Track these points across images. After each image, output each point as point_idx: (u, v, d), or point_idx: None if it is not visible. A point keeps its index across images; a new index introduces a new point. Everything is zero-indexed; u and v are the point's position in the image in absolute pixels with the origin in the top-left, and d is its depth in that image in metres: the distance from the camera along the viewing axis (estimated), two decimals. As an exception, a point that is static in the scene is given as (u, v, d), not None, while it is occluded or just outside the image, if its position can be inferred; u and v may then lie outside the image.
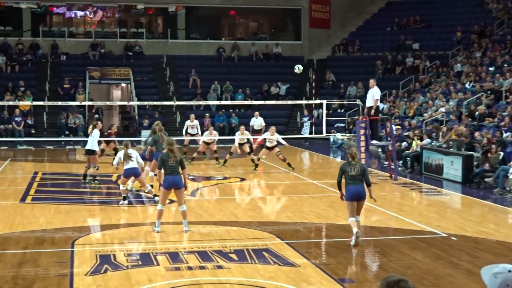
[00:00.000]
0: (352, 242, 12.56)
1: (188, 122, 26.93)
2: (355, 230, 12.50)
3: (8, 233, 13.56)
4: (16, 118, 34.82)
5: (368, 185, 12.82)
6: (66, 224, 14.42)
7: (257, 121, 27.70)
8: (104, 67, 40.61)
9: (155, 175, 17.05)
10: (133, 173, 16.84)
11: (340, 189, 13.03)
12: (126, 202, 16.73)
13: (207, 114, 36.45)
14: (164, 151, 13.83)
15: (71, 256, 11.79)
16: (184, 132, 27.09)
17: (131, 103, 36.96)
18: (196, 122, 26.83)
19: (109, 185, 20.39)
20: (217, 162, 24.45)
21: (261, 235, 13.54)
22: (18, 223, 14.56)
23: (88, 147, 20.20)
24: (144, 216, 15.51)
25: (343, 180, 12.92)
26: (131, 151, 16.88)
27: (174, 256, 11.72)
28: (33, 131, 35.61)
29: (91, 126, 20.20)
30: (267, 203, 17.87)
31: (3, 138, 33.11)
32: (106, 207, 16.58)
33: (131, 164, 16.65)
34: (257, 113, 28.40)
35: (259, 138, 25.66)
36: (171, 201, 16.07)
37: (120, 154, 16.90)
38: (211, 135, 24.75)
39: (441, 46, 40.40)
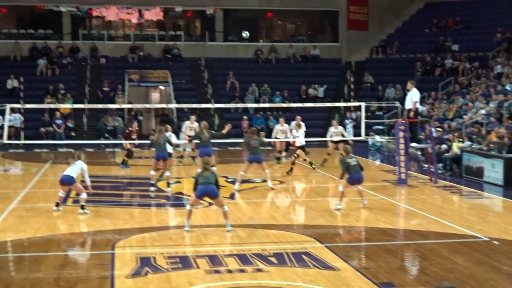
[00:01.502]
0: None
1: (187, 123, 26.10)
2: None
3: (50, 235, 13.71)
4: (57, 121, 35.23)
5: None
6: (107, 227, 14.55)
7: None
8: (143, 69, 40.92)
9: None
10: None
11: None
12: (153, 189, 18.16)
13: (245, 117, 36.55)
14: (199, 170, 14.33)
15: (112, 258, 11.88)
16: (183, 132, 26.28)
17: (169, 105, 37.14)
18: (196, 124, 25.50)
19: (148, 187, 20.49)
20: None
21: (300, 238, 13.52)
22: (59, 225, 14.72)
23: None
24: (183, 218, 15.53)
25: None
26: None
27: (213, 259, 11.75)
28: (73, 134, 36.00)
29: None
30: (306, 206, 17.82)
31: (44, 141, 33.50)
32: (146, 210, 16.70)
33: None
34: (299, 117, 27.89)
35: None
36: (210, 204, 16.14)
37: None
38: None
39: (481, 47, 39.98)
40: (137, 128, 25.00)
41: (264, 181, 20.83)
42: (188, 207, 14.03)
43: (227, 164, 26.07)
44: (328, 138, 25.39)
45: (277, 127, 27.16)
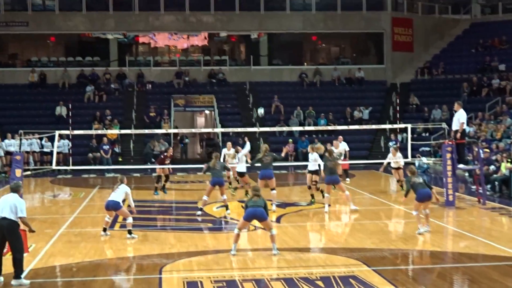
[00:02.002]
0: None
1: (224, 151, 24.88)
2: None
3: (98, 260, 13.84)
4: (104, 146, 35.65)
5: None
6: (154, 251, 14.62)
7: (341, 146, 27.24)
8: (188, 94, 41.25)
9: None
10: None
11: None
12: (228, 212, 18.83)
13: (290, 140, 36.52)
14: (250, 195, 14.67)
15: (159, 283, 11.93)
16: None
17: (215, 130, 37.34)
18: (232, 151, 24.39)
19: (195, 211, 20.58)
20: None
21: (347, 261, 13.43)
22: (107, 250, 14.86)
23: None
24: (230, 242, 15.55)
25: None
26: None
27: (260, 283, 11.73)
28: (120, 159, 36.38)
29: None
30: (352, 229, 17.71)
31: (91, 166, 33.92)
32: (192, 234, 16.75)
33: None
34: (340, 137, 28.03)
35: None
36: (256, 227, 16.15)
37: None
38: None
39: (529, 67, 39.48)
40: (171, 154, 25.07)
41: (310, 203, 20.84)
42: (236, 231, 14.15)
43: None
44: (386, 162, 24.85)
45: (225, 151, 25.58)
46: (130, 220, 16.00)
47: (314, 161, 21.32)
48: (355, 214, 19.45)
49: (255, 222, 14.67)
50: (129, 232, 15.87)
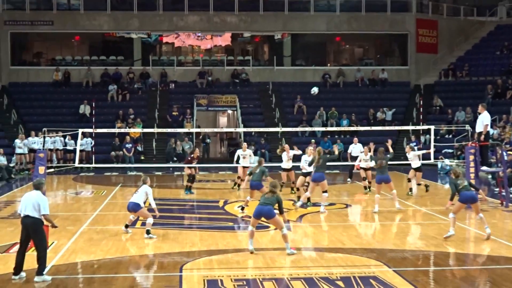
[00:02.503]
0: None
1: (239, 152, 25.16)
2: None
3: (119, 257, 13.90)
4: (127, 145, 35.81)
5: None
6: (174, 249, 14.67)
7: (356, 148, 27.01)
8: (211, 94, 41.32)
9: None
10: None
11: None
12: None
13: (312, 140, 36.43)
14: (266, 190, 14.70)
15: (180, 280, 11.96)
16: (235, 162, 25.66)
17: (237, 129, 37.40)
18: (248, 151, 24.93)
19: (216, 210, 20.64)
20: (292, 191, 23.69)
21: (368, 262, 13.39)
22: (128, 247, 14.93)
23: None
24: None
25: None
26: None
27: (280, 283, 11.73)
28: (142, 158, 36.54)
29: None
30: (373, 229, 17.66)
31: (114, 164, 34.09)
32: (213, 232, 16.77)
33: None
34: (356, 139, 27.88)
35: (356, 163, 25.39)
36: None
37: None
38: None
39: (554, 69, 39.15)
40: (198, 155, 25.10)
41: (331, 204, 20.85)
42: (249, 228, 14.30)
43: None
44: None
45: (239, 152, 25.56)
46: (150, 220, 16.05)
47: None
48: (378, 215, 19.39)
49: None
50: (147, 232, 15.91)
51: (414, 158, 23.42)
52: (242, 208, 19.79)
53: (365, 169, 24.15)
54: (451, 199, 15.92)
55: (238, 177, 24.81)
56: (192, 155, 24.60)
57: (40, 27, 42.65)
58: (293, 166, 23.25)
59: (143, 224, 16.65)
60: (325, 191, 20.00)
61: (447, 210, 16.21)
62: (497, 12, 47.36)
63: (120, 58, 44.56)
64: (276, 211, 14.08)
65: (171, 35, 43.81)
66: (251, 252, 13.95)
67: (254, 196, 19.43)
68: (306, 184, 21.43)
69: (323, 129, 35.71)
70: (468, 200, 15.48)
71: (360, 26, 44.25)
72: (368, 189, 23.93)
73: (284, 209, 19.18)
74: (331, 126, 37.66)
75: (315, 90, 24.97)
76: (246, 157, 24.74)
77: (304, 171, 21.39)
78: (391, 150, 22.24)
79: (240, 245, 15.01)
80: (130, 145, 36.00)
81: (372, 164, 22.97)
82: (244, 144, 25.54)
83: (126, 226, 16.49)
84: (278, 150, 23.48)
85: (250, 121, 39.19)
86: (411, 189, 23.67)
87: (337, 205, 21.24)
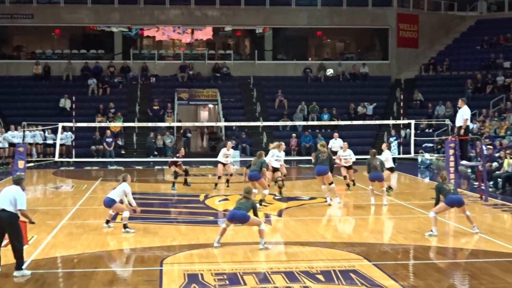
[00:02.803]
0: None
1: (224, 150, 24.32)
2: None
3: (99, 252, 13.86)
4: (107, 139, 35.71)
5: None
6: (155, 243, 14.64)
7: (337, 143, 26.84)
8: (192, 88, 41.26)
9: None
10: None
11: None
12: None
13: (293, 135, 36.56)
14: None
15: (160, 275, 11.94)
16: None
17: (218, 124, 37.39)
18: (232, 151, 24.28)
19: (196, 204, 20.62)
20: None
21: (348, 256, 13.43)
22: (108, 241, 14.87)
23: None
24: (230, 235, 15.58)
25: None
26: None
27: (260, 276, 11.74)
28: (123, 152, 36.45)
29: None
30: (354, 224, 17.71)
31: (94, 159, 33.97)
32: (194, 226, 16.76)
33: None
34: (336, 134, 27.77)
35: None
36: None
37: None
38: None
39: (533, 64, 39.43)
40: (183, 154, 25.00)
41: (312, 198, 20.90)
42: (223, 225, 14.32)
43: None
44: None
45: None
46: (126, 214, 15.99)
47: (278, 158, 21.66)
48: (358, 209, 19.47)
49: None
50: (125, 226, 15.86)
51: (388, 157, 22.95)
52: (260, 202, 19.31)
53: (346, 167, 23.64)
54: (435, 204, 15.73)
55: (219, 177, 23.94)
56: (177, 155, 24.56)
57: (20, 20, 42.38)
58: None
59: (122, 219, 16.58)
60: (332, 183, 20.19)
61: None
62: (478, 7, 47.59)
63: (101, 52, 44.38)
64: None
65: (152, 28, 43.64)
66: (215, 247, 13.90)
67: (255, 187, 19.39)
68: (279, 179, 21.54)
69: (304, 123, 35.78)
70: (455, 204, 15.43)
71: (342, 21, 44.31)
72: (351, 185, 23.69)
73: (264, 204, 19.32)
74: (312, 120, 37.73)
75: (331, 71, 24.79)
76: (229, 157, 24.39)
77: (274, 165, 21.48)
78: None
79: (221, 240, 14.98)
80: (111, 139, 35.88)
81: (352, 159, 23.11)
82: (229, 143, 25.32)
83: (107, 222, 16.43)
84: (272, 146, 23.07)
85: (231, 115, 39.18)
86: (390, 187, 23.13)
87: (318, 199, 21.28)
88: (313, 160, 20.84)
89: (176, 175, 24.14)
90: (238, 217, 13.91)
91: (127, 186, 16.20)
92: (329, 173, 20.20)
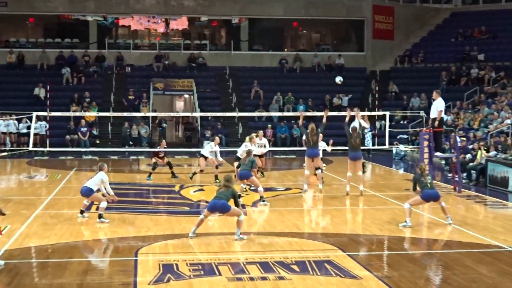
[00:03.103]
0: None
1: (211, 145, 23.93)
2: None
3: (74, 242, 13.80)
4: (82, 129, 35.53)
5: None
6: (130, 234, 14.62)
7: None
8: (168, 78, 41.13)
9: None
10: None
11: None
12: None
13: (269, 125, 36.58)
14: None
15: (135, 265, 11.93)
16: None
17: (194, 114, 37.32)
18: (217, 148, 23.48)
19: (172, 195, 20.61)
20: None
21: (323, 246, 13.49)
22: (83, 231, 14.81)
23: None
24: (206, 226, 15.59)
25: None
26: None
27: (236, 267, 11.76)
28: (98, 142, 36.26)
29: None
30: (328, 214, 17.78)
31: (69, 148, 33.78)
32: (169, 217, 16.75)
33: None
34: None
35: None
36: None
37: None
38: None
39: (507, 57, 39.78)
40: (165, 145, 24.92)
41: (288, 189, 20.97)
42: (201, 216, 14.21)
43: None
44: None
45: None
46: (103, 204, 15.92)
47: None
48: (333, 199, 19.55)
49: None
50: (100, 216, 15.79)
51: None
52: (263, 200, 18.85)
53: (259, 156, 23.28)
54: (414, 189, 15.84)
55: (201, 170, 23.39)
56: (159, 147, 24.51)
57: (-6, 8, 41.96)
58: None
59: (98, 208, 16.53)
60: (319, 168, 20.41)
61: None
62: (453, 0, 47.82)
63: (76, 41, 44.07)
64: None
65: (127, 18, 43.39)
66: (190, 238, 13.88)
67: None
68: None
69: (280, 114, 35.82)
70: (431, 199, 15.53)
71: (317, 12, 44.35)
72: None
73: (240, 194, 19.32)
74: (288, 111, 37.76)
75: (340, 79, 24.67)
76: (213, 152, 23.84)
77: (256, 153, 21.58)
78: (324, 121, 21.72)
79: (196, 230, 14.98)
80: (85, 128, 35.70)
81: (329, 149, 23.23)
82: (216, 138, 24.91)
83: (82, 212, 16.35)
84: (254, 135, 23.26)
85: (207, 106, 39.13)
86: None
87: (293, 190, 21.35)
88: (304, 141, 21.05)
89: (155, 166, 24.06)
90: (219, 207, 13.88)
91: (104, 175, 16.13)
92: (319, 157, 20.43)
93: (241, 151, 21.16)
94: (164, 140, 25.52)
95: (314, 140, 20.28)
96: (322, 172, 20.83)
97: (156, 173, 24.47)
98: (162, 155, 24.27)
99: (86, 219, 16.10)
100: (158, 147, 24.52)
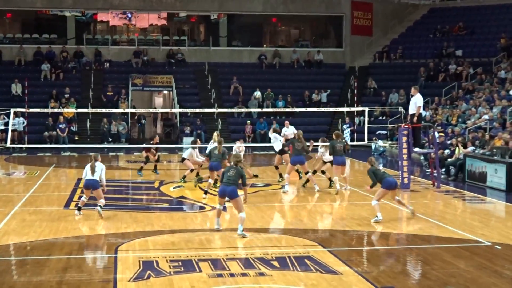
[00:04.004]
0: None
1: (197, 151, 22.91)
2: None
3: (53, 239, 13.74)
4: (60, 125, 35.34)
5: None
6: (109, 230, 14.58)
7: (289, 130, 26.45)
8: (146, 74, 40.98)
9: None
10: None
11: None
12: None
13: (248, 122, 36.60)
14: (228, 164, 15.35)
15: (115, 262, 11.90)
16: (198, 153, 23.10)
17: (173, 110, 37.23)
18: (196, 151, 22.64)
19: (151, 191, 20.56)
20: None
21: (302, 242, 13.53)
22: (62, 228, 14.74)
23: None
24: (186, 222, 15.58)
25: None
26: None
27: (216, 263, 11.77)
28: (76, 138, 36.09)
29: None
30: (308, 210, 17.83)
31: (47, 145, 33.58)
32: (148, 213, 16.71)
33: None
34: (287, 122, 27.09)
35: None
36: (213, 208, 16.20)
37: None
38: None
39: (485, 53, 40.03)
40: (157, 141, 24.82)
41: (267, 185, 20.98)
42: (217, 206, 14.49)
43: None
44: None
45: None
46: (102, 201, 15.96)
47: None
48: (313, 195, 19.58)
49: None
50: (100, 206, 15.89)
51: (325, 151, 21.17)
52: (206, 192, 18.95)
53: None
54: (372, 186, 16.03)
55: (192, 170, 22.08)
56: (152, 142, 24.49)
57: (-30, 3, 41.58)
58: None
59: (86, 206, 16.44)
60: (307, 172, 20.46)
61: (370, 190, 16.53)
62: (431, -4, 48.06)
63: (54, 37, 43.76)
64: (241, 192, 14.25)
65: (105, 13, 43.15)
66: (218, 230, 14.20)
67: (213, 178, 19.25)
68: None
69: (259, 110, 35.81)
70: (392, 186, 15.72)
71: (296, 8, 44.38)
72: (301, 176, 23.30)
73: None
74: (267, 107, 37.76)
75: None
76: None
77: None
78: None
79: (175, 226, 14.99)
80: (64, 125, 35.51)
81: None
82: (215, 133, 24.19)
83: (79, 209, 16.26)
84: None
85: (186, 102, 39.04)
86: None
87: (273, 186, 21.38)
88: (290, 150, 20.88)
89: (146, 161, 24.03)
90: (228, 193, 14.02)
91: (102, 165, 16.25)
92: (305, 164, 20.30)
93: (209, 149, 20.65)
94: (157, 136, 25.54)
95: (300, 147, 20.07)
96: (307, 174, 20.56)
97: (135, 169, 24.40)
98: (153, 150, 24.25)
99: (81, 216, 15.99)
100: (151, 142, 24.45)
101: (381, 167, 16.27)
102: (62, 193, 19.70)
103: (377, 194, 15.79)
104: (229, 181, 14.00)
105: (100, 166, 16.14)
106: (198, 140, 23.76)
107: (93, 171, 16.09)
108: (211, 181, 19.36)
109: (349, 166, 25.62)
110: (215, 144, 20.13)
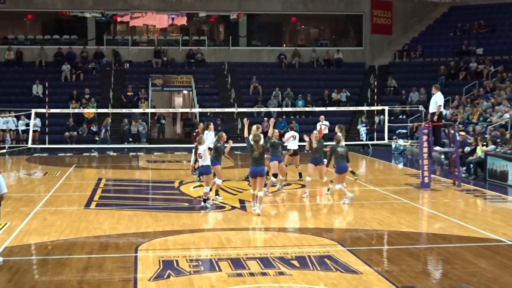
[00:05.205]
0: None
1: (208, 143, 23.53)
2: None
3: (74, 239, 13.80)
4: (104, 127, 35.41)
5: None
6: (130, 230, 14.62)
7: (325, 123, 26.01)
8: (166, 74, 41.08)
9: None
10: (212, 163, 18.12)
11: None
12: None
13: (265, 118, 36.57)
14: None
15: (135, 261, 11.94)
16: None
17: (193, 110, 37.29)
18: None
19: (171, 191, 20.60)
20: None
21: (322, 241, 13.50)
22: (83, 228, 14.80)
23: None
24: (206, 222, 15.60)
25: None
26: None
27: (236, 262, 11.77)
28: (96, 138, 36.20)
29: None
30: (328, 209, 17.78)
31: (68, 145, 33.74)
32: (168, 213, 16.74)
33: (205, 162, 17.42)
34: (322, 116, 26.76)
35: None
36: (233, 207, 16.22)
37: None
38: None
39: (506, 51, 39.75)
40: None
41: (288, 184, 20.97)
42: (251, 191, 15.91)
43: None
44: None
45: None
46: (219, 182, 17.89)
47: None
48: (333, 195, 19.53)
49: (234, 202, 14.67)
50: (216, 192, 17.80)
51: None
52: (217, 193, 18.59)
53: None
54: (327, 165, 17.75)
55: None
56: (197, 130, 23.55)
57: (-8, 5, 41.86)
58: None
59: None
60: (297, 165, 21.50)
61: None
62: (451, -6, 47.81)
63: (74, 38, 43.99)
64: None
65: (125, 14, 43.32)
66: (258, 215, 15.49)
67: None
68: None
69: (279, 109, 35.77)
70: (344, 170, 17.28)
71: (316, 7, 44.30)
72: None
73: (239, 190, 19.34)
74: (287, 106, 37.75)
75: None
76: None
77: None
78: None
79: (195, 226, 15.01)
80: (107, 126, 35.25)
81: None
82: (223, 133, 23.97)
83: (217, 193, 17.92)
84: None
85: (206, 102, 39.09)
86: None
87: (293, 185, 21.35)
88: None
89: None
90: (259, 172, 15.73)
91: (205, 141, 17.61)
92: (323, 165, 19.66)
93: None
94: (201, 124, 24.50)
95: (317, 148, 19.68)
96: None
97: (155, 169, 24.48)
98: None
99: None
100: (197, 130, 23.81)
101: (344, 149, 17.57)
102: (83, 193, 19.77)
103: (337, 180, 17.73)
104: (257, 163, 15.72)
105: (204, 148, 17.02)
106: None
107: (200, 157, 17.22)
108: (219, 181, 18.52)
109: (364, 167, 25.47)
110: (211, 133, 20.68)
